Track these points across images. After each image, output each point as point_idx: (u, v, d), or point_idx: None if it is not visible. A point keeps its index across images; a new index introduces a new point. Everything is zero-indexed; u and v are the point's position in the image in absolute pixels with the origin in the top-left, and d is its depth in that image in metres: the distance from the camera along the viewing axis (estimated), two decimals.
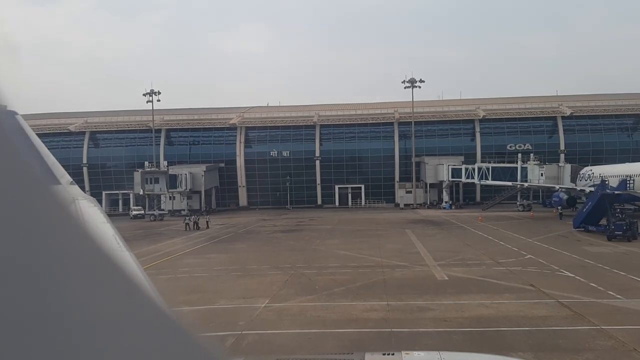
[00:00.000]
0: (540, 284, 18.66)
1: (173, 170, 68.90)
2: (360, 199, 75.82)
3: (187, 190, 68.98)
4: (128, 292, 0.93)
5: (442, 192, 69.36)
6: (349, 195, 76.45)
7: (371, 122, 77.35)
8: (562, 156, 69.79)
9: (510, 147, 72.33)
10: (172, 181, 67.17)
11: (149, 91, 71.39)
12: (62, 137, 75.09)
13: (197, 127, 79.22)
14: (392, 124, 77.00)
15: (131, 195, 71.05)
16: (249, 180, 77.20)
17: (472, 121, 76.20)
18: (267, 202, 72.68)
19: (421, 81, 71.20)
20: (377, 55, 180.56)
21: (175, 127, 79.90)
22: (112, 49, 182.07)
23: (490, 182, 62.53)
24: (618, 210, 32.78)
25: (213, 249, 32.11)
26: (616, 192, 38.24)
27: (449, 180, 67.40)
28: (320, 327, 14.02)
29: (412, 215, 58.17)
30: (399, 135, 76.82)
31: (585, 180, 54.22)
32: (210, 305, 16.64)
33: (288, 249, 31.20)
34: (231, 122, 77.48)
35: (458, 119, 76.82)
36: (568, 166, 60.98)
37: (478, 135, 75.65)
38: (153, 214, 62.02)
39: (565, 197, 53.20)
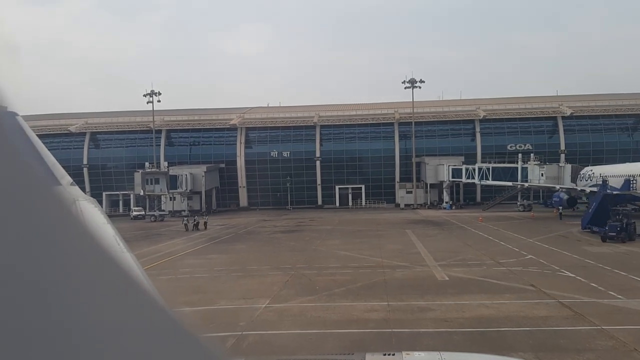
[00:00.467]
0: (541, 284, 18.66)
1: (173, 171, 68.91)
2: (361, 199, 75.79)
3: (188, 191, 68.99)
4: (129, 292, 0.93)
5: (443, 193, 69.35)
6: (350, 196, 76.41)
7: (371, 122, 77.33)
8: (562, 156, 69.74)
9: (511, 147, 72.30)
10: (173, 182, 67.18)
11: (149, 92, 71.48)
12: (62, 137, 75.10)
13: (197, 127, 79.20)
14: (392, 124, 76.99)
15: (132, 196, 71.07)
16: (250, 181, 77.20)
17: (472, 121, 76.18)
18: (268, 202, 72.69)
19: (421, 81, 71.19)
20: (377, 56, 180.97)
21: (175, 128, 79.91)
22: (112, 49, 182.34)
23: (490, 182, 62.50)
24: (621, 211, 32.54)
25: (214, 250, 32.12)
26: (616, 192, 38.19)
27: (449, 181, 67.38)
28: (320, 328, 14.02)
29: (412, 215, 58.17)
30: (399, 136, 76.81)
31: (586, 181, 54.22)
32: (211, 306, 16.65)
33: (288, 249, 31.20)
34: (231, 122, 77.50)
35: (458, 119, 76.80)
36: (568, 166, 60.96)
37: (478, 135, 75.62)
38: (153, 215, 62.00)
39: (565, 197, 53.17)
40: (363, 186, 75.90)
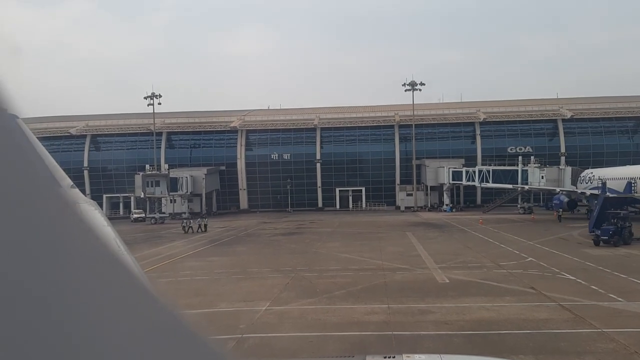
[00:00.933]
0: (541, 286, 18.64)
1: (174, 173, 68.91)
2: (361, 201, 75.82)
3: (188, 193, 69.04)
4: (130, 294, 0.93)
5: (443, 195, 69.32)
6: (350, 198, 76.43)
7: (372, 124, 77.40)
8: (562, 159, 69.74)
9: (511, 149, 72.36)
10: (173, 184, 67.15)
11: (149, 94, 71.56)
12: (63, 140, 75.23)
13: (197, 130, 79.25)
14: (392, 126, 77.02)
15: (132, 198, 70.97)
16: (250, 183, 77.22)
17: (472, 124, 76.24)
18: (268, 205, 72.72)
19: (422, 84, 71.34)
20: (377, 58, 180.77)
21: (176, 130, 79.95)
22: (113, 50, 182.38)
23: (490, 184, 62.50)
24: (621, 214, 32.33)
25: (214, 252, 32.12)
26: (615, 195, 38.11)
27: (449, 183, 67.38)
28: (321, 330, 14.01)
29: (412, 217, 58.15)
30: (399, 138, 76.87)
31: (586, 183, 54.17)
32: (211, 309, 16.62)
33: (289, 251, 31.18)
34: (232, 125, 77.55)
35: (459, 121, 76.83)
36: (569, 169, 60.88)
37: (478, 137, 75.67)
38: (154, 217, 61.96)
39: (565, 199, 53.12)
40: (363, 188, 75.93)
